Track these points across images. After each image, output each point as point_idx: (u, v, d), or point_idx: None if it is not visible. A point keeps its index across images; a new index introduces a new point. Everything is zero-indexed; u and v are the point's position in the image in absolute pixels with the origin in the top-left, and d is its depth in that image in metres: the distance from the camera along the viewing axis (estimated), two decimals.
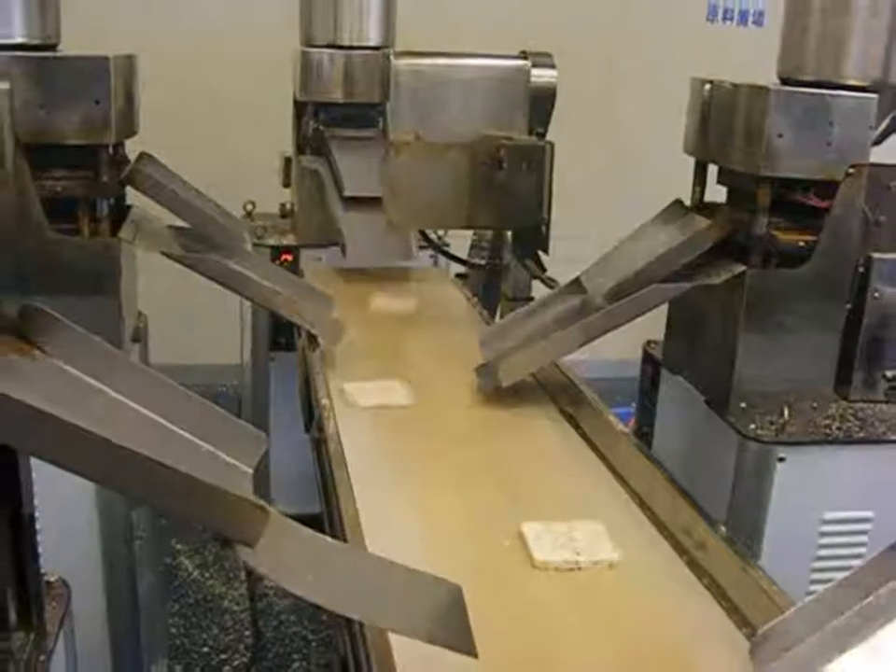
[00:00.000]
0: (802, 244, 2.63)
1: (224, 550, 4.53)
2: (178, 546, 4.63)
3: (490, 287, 4.13)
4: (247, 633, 4.07)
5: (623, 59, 6.52)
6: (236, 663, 3.90)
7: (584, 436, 2.59)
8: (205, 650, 3.96)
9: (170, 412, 1.59)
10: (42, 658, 1.59)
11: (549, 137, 3.21)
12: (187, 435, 1.58)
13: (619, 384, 3.78)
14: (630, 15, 6.59)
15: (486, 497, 2.24)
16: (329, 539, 1.65)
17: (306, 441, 2.87)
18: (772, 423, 2.57)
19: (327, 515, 2.35)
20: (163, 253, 2.80)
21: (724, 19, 6.98)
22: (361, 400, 2.67)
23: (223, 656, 3.93)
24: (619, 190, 6.12)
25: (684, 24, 6.69)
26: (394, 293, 3.66)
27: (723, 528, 1.97)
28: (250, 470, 1.60)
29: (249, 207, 4.50)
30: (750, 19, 6.88)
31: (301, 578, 1.48)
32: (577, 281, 2.84)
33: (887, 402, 2.75)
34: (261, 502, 1.45)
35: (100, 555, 2.66)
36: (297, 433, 3.10)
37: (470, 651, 1.47)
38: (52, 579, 1.77)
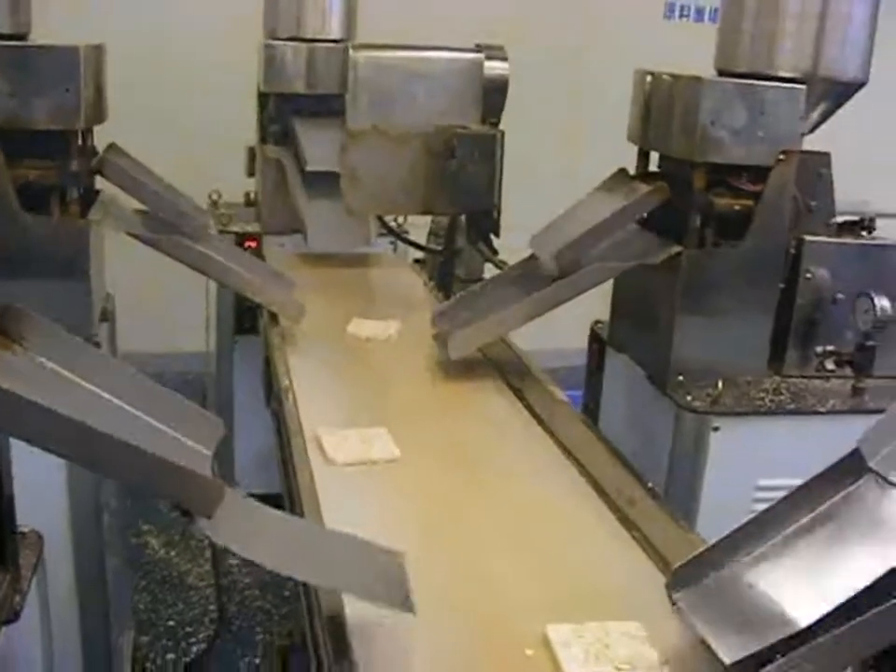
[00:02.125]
0: (738, 207, 2.78)
1: (189, 529, 4.65)
2: (145, 527, 4.73)
3: (445, 271, 4.26)
4: (212, 607, 4.18)
5: (582, 56, 6.63)
6: (201, 635, 4.01)
7: (528, 406, 2.74)
8: (171, 623, 4.07)
9: (137, 400, 1.74)
10: (17, 598, 1.72)
11: (506, 131, 3.31)
12: (153, 421, 1.73)
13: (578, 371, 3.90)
14: (589, 13, 6.73)
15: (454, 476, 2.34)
16: (280, 512, 1.81)
17: (270, 423, 2.97)
18: (708, 395, 2.72)
19: (285, 486, 2.45)
20: (130, 234, 2.92)
21: (681, 16, 7.14)
22: (339, 457, 2.35)
23: (188, 629, 4.04)
24: (576, 183, 6.23)
25: (642, 22, 6.84)
26: (375, 316, 3.41)
27: (650, 484, 2.12)
28: (209, 452, 1.76)
29: (214, 196, 4.61)
30: (707, 15, 7.03)
31: (254, 545, 1.63)
32: (525, 261, 2.98)
33: (818, 377, 2.91)
34: (218, 480, 1.61)
35: (68, 525, 2.77)
36: (261, 415, 3.21)
37: (410, 610, 1.62)
38: (26, 530, 1.90)
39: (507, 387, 2.87)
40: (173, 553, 4.59)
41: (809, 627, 1.43)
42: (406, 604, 1.63)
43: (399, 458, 2.36)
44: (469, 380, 2.89)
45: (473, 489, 2.26)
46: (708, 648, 1.53)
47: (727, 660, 1.47)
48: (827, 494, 1.62)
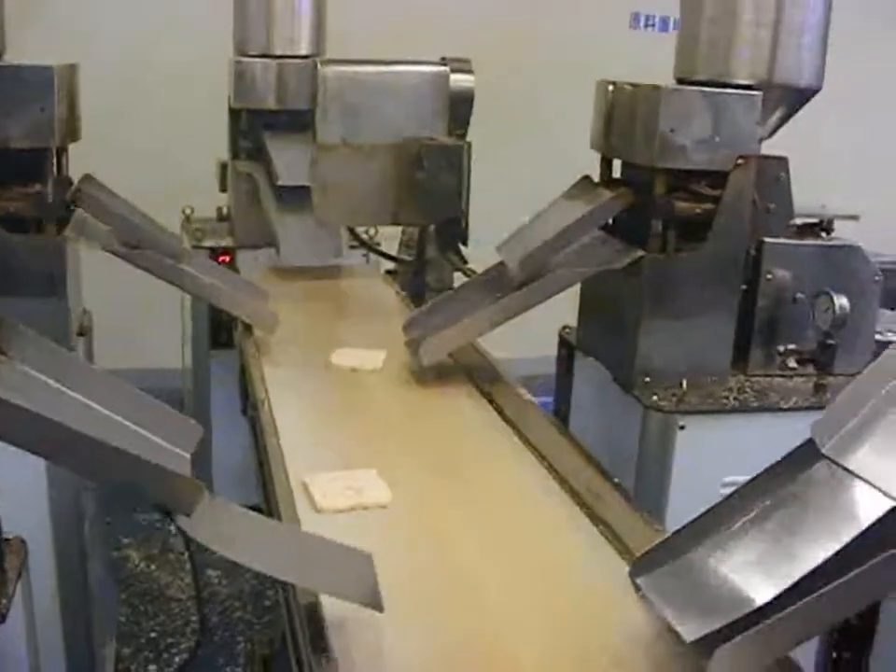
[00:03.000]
0: (699, 211, 2.85)
1: (171, 541, 4.72)
2: (125, 540, 4.78)
3: (417, 282, 4.32)
4: (193, 619, 4.22)
5: (548, 67, 6.70)
6: (183, 646, 4.06)
7: (499, 409, 2.80)
8: (153, 635, 4.12)
9: (117, 405, 1.81)
10: (3, 602, 1.78)
11: (477, 143, 3.38)
12: (132, 426, 1.80)
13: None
14: (555, 24, 6.80)
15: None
16: (256, 514, 1.87)
17: (247, 437, 3.00)
18: (674, 395, 2.79)
19: (263, 492, 2.46)
20: (105, 248, 2.97)
21: (646, 25, 7.23)
22: (329, 503, 2.18)
23: (170, 640, 4.09)
24: (547, 194, 6.30)
25: (608, 32, 6.92)
26: (361, 345, 3.24)
27: (616, 479, 2.19)
28: (188, 455, 1.82)
29: (188, 212, 4.68)
30: (671, 25, 7.11)
31: (232, 544, 1.69)
32: (495, 266, 3.05)
33: (781, 376, 2.98)
34: (196, 480, 1.68)
35: (50, 535, 2.80)
36: (238, 429, 3.26)
37: (377, 607, 1.69)
38: (10, 537, 1.95)
39: (478, 393, 2.93)
40: (153, 567, 4.64)
41: (766, 606, 1.50)
42: (374, 601, 1.69)
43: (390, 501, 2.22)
44: (443, 386, 2.95)
45: (460, 508, 2.26)
46: (671, 628, 1.59)
47: (688, 638, 1.53)
48: (784, 481, 1.69)
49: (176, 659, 3.98)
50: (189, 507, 1.64)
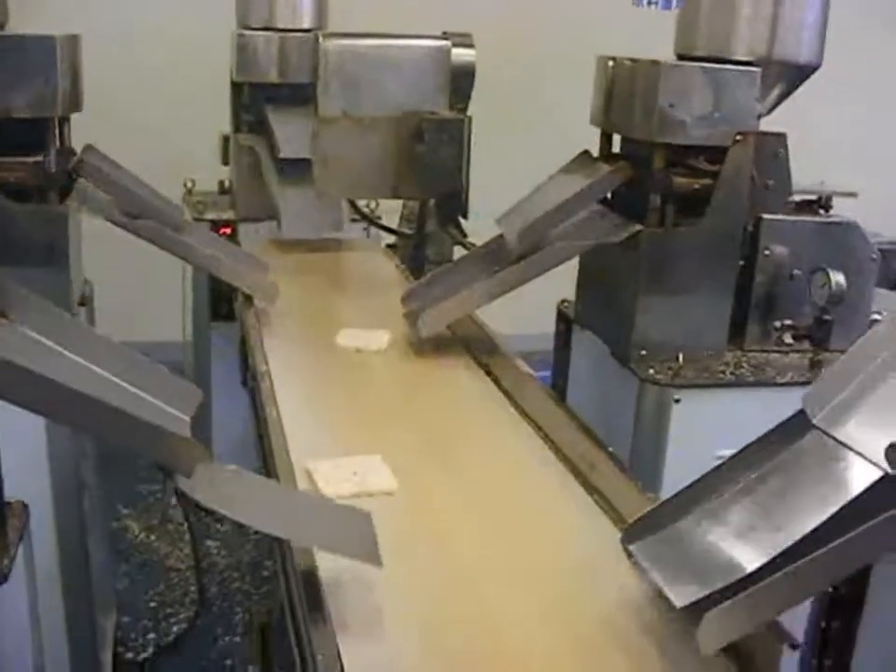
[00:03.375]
0: (697, 186, 2.86)
1: (170, 511, 4.75)
2: (125, 510, 4.81)
3: (417, 255, 4.35)
4: (192, 589, 4.26)
5: (552, 44, 6.69)
6: (182, 616, 4.09)
7: (496, 381, 2.83)
8: (153, 605, 4.16)
9: (118, 368, 1.82)
10: (6, 562, 1.80)
11: (476, 117, 3.39)
12: (132, 388, 1.82)
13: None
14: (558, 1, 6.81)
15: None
16: (254, 475, 1.89)
17: (247, 411, 3.01)
18: (669, 368, 2.81)
19: (264, 466, 2.46)
20: (106, 218, 2.99)
21: (650, 3, 7.24)
22: (332, 491, 2.12)
23: (169, 610, 4.12)
24: (548, 170, 6.29)
25: (612, 9, 6.92)
26: (362, 319, 3.26)
27: (610, 449, 2.22)
28: (188, 418, 1.84)
29: (189, 184, 4.69)
30: (674, 3, 7.11)
31: (232, 504, 1.73)
32: (495, 239, 3.07)
33: (778, 351, 3.00)
34: (196, 441, 1.70)
35: (51, 507, 2.83)
36: (238, 402, 3.28)
37: (376, 562, 1.71)
38: (12, 501, 1.97)
39: (476, 365, 2.95)
40: (153, 537, 4.67)
41: (755, 572, 1.52)
42: (373, 557, 1.72)
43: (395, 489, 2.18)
44: (442, 358, 2.97)
45: (459, 484, 2.27)
46: (662, 594, 1.62)
47: (678, 604, 1.56)
48: (774, 451, 1.72)
49: (175, 629, 4.02)
50: (189, 468, 1.66)
